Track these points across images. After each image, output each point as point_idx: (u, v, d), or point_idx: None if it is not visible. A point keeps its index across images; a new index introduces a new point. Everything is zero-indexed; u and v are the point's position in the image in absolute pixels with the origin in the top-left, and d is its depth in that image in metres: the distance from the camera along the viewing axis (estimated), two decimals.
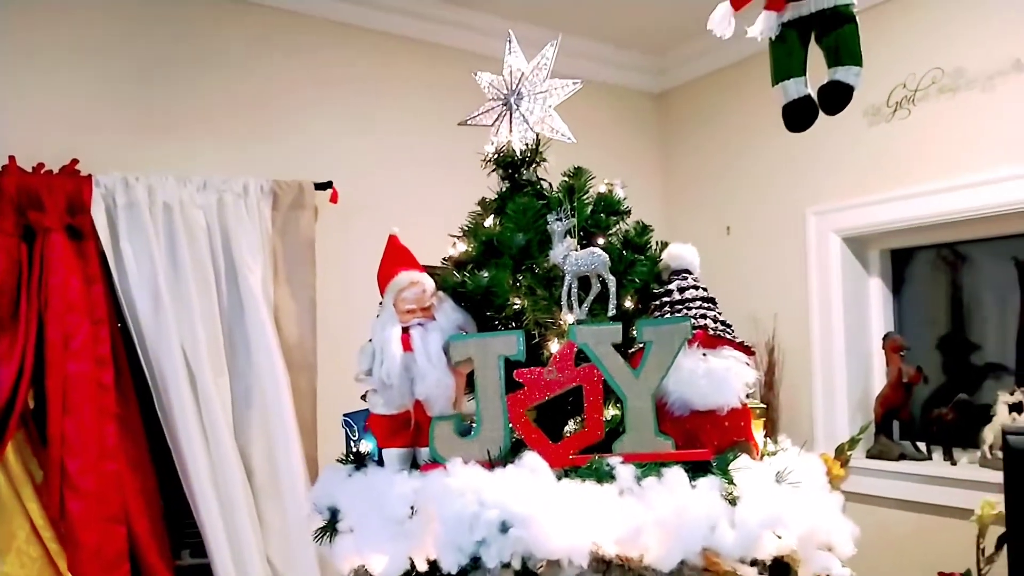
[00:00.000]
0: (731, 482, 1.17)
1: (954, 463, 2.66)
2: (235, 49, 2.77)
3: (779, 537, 1.18)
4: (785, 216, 3.12)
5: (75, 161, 2.40)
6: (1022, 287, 2.71)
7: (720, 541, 1.12)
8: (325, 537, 1.28)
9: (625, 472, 1.14)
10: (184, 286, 2.51)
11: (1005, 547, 2.14)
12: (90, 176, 2.41)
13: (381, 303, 1.36)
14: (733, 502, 1.15)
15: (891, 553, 2.63)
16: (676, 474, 1.15)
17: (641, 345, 1.30)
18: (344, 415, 1.53)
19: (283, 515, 2.64)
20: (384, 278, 1.36)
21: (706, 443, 1.27)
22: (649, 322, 1.30)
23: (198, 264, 2.54)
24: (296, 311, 2.74)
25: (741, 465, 1.21)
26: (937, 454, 2.77)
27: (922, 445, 2.83)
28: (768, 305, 3.10)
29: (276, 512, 2.64)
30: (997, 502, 2.22)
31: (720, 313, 1.41)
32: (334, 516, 1.28)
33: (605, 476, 1.14)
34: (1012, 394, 2.49)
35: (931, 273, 3.00)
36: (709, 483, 1.16)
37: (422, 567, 1.15)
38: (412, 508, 1.16)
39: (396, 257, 1.39)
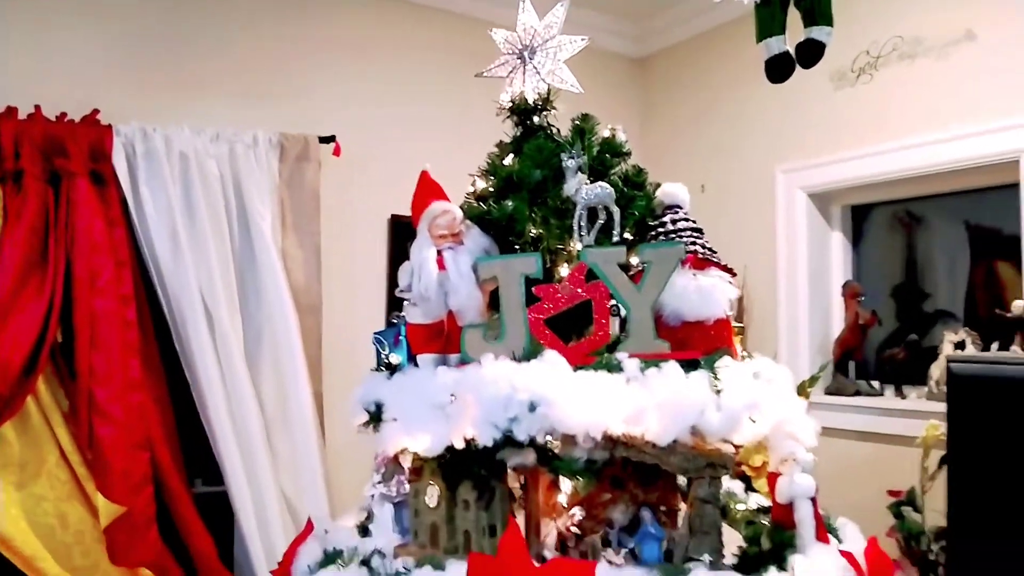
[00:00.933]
0: (717, 376, 1.40)
1: (904, 397, 2.94)
2: (245, 8, 2.91)
3: (754, 422, 1.42)
4: (756, 175, 3.36)
5: (96, 111, 2.53)
6: (972, 246, 2.98)
7: (707, 422, 1.35)
8: (371, 427, 1.50)
9: (631, 364, 1.37)
10: (199, 230, 2.66)
11: (945, 466, 2.41)
12: (110, 126, 2.54)
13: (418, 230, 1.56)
14: (719, 391, 1.38)
15: (847, 479, 2.90)
16: (673, 367, 1.37)
17: (641, 267, 1.52)
18: (375, 333, 1.73)
19: (293, 446, 2.83)
20: (418, 208, 1.56)
21: (695, 348, 1.50)
22: (649, 245, 1.53)
23: (212, 210, 2.70)
24: (303, 257, 2.91)
25: (725, 364, 1.44)
26: (889, 391, 3.05)
27: (876, 383, 3.11)
28: (739, 257, 3.33)
29: (287, 443, 2.84)
30: (941, 425, 2.49)
31: (707, 242, 1.64)
32: (379, 409, 1.49)
33: (615, 367, 1.37)
34: (956, 333, 2.76)
35: (888, 230, 3.25)
36: (699, 375, 1.38)
37: (460, 445, 1.36)
38: (452, 395, 1.37)
39: (429, 190, 1.58)
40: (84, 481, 2.51)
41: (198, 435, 2.74)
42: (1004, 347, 2.48)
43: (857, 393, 3.07)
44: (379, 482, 1.70)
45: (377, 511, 1.68)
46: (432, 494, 1.52)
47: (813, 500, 1.52)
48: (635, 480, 1.52)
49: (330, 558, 1.50)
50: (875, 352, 3.21)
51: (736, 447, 1.46)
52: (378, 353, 1.74)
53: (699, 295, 1.51)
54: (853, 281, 3.15)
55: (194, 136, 2.68)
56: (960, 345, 2.76)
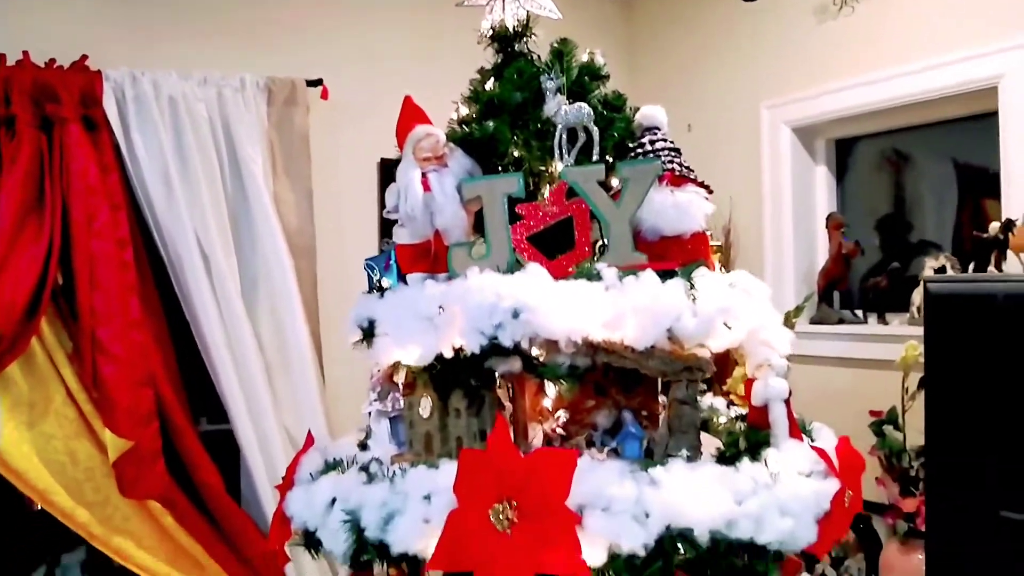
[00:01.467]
0: (692, 284, 1.47)
1: (886, 324, 3.02)
2: None
3: (729, 328, 1.49)
4: (741, 111, 3.40)
5: (84, 57, 2.56)
6: (959, 185, 3.03)
7: (683, 326, 1.41)
8: (364, 343, 1.57)
9: (609, 273, 1.43)
10: (192, 174, 2.71)
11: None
12: (99, 71, 2.57)
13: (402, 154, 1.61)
14: (694, 298, 1.44)
15: (830, 404, 2.97)
16: (650, 275, 1.44)
17: (619, 187, 1.58)
18: (366, 259, 1.79)
19: (293, 386, 2.92)
20: (403, 132, 1.61)
21: (673, 260, 1.56)
22: (626, 163, 1.58)
23: (204, 154, 2.74)
24: (295, 200, 2.96)
25: (701, 274, 1.51)
26: (872, 319, 3.13)
27: (860, 313, 3.19)
28: (724, 193, 3.39)
29: (286, 383, 2.92)
30: (920, 346, 2.57)
31: (685, 161, 1.69)
32: (371, 325, 1.56)
33: (594, 276, 1.43)
34: (937, 259, 2.83)
35: (875, 168, 3.30)
36: (675, 283, 1.45)
37: (448, 354, 1.43)
38: (440, 307, 1.44)
39: (412, 114, 1.63)
40: (91, 419, 2.59)
41: (201, 375, 2.83)
42: (981, 268, 2.55)
43: (840, 322, 3.15)
44: (375, 400, 1.78)
45: (374, 427, 1.76)
46: (425, 405, 1.60)
47: (787, 402, 1.61)
48: (617, 387, 1.59)
49: (330, 466, 1.59)
50: (859, 283, 3.28)
51: (712, 354, 1.54)
52: (369, 278, 1.80)
53: (676, 210, 1.57)
54: (836, 213, 3.20)
55: (182, 80, 2.71)
56: (941, 271, 2.82)
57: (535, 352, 1.45)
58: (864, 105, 2.96)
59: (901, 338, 2.83)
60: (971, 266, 2.57)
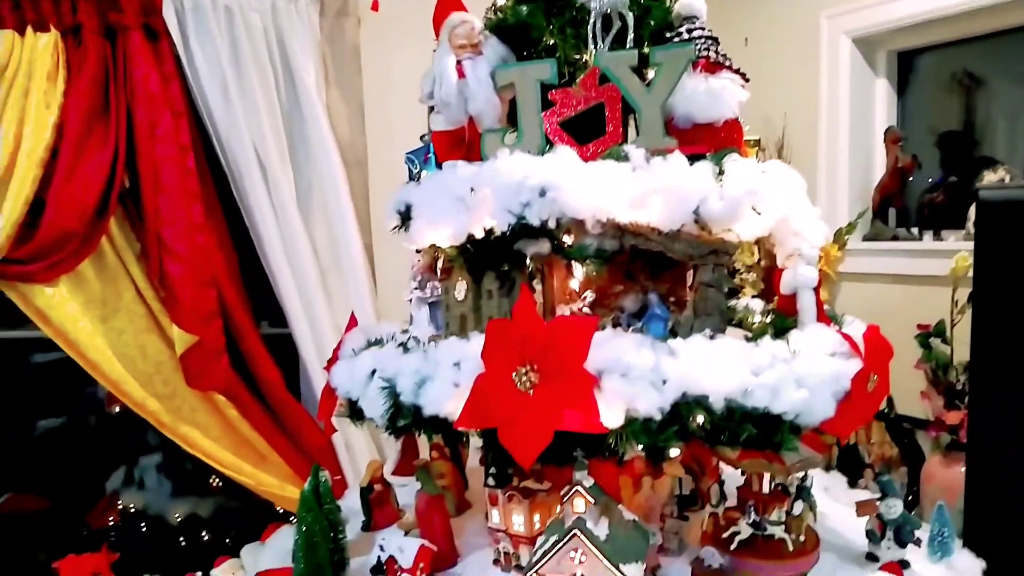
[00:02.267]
0: (722, 169, 1.48)
1: (941, 240, 2.95)
2: None
3: (758, 213, 1.50)
4: (800, 22, 3.29)
5: None
6: None
7: (709, 208, 1.44)
8: (401, 228, 1.65)
9: (637, 154, 1.46)
10: (248, 84, 2.79)
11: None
12: None
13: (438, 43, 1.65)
14: (722, 181, 1.46)
15: (881, 321, 2.94)
16: (678, 157, 1.46)
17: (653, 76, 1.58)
18: (406, 153, 1.85)
19: (347, 294, 3.03)
20: (439, 19, 1.64)
21: (704, 146, 1.57)
22: (659, 48, 1.58)
23: (259, 65, 2.81)
24: (346, 112, 3.03)
25: (732, 159, 1.52)
26: (928, 237, 3.06)
27: (915, 231, 3.12)
28: (779, 106, 3.32)
29: (341, 290, 3.03)
30: (971, 257, 2.51)
31: (721, 49, 1.68)
32: (408, 210, 1.63)
33: (622, 157, 1.46)
34: (996, 172, 2.74)
35: (940, 83, 3.16)
36: (703, 165, 1.46)
37: (479, 234, 1.49)
38: (472, 188, 1.49)
39: (449, 2, 1.66)
40: (159, 315, 2.77)
41: (262, 281, 2.96)
42: None
43: (895, 239, 3.08)
44: (416, 288, 1.86)
45: (415, 313, 1.85)
46: (460, 289, 1.66)
47: (816, 291, 1.62)
48: (645, 273, 1.63)
49: (372, 344, 1.68)
50: (916, 201, 3.19)
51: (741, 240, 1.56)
52: (410, 171, 1.87)
53: (708, 96, 1.57)
54: (895, 127, 3.11)
55: None
56: (1000, 183, 2.73)
57: (564, 237, 1.49)
58: (930, 11, 2.84)
59: (955, 253, 2.77)
60: None
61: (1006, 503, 2.15)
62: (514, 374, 1.32)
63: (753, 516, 1.59)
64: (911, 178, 3.06)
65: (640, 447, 1.33)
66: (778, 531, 1.60)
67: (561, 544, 1.40)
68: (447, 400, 1.40)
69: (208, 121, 2.77)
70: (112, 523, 3.46)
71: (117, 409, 3.52)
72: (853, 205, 3.24)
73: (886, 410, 2.88)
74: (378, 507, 2.03)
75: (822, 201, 3.27)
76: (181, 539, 3.52)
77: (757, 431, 1.34)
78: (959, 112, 3.12)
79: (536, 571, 1.42)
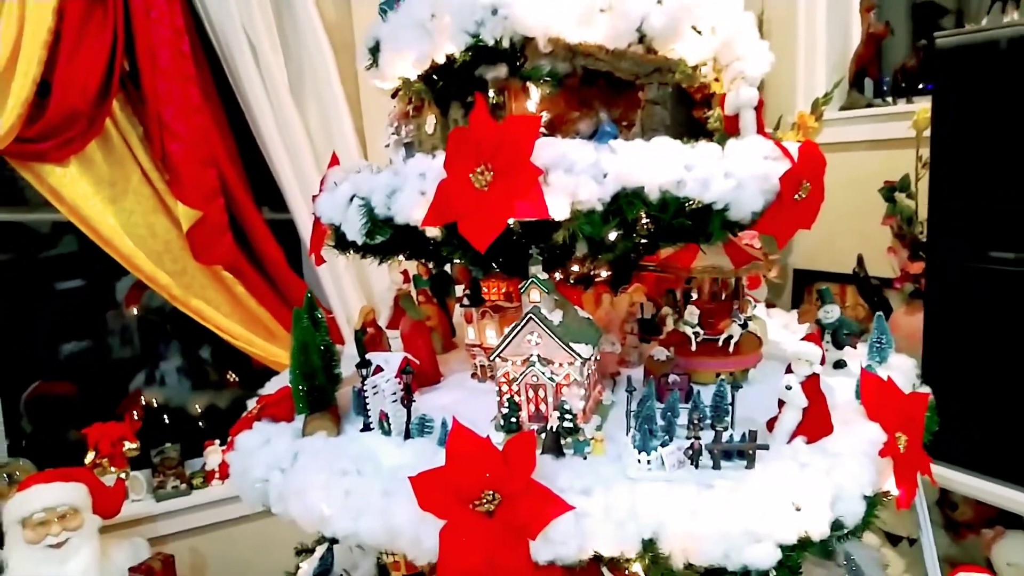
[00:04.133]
0: None
1: (912, 104, 3.03)
2: None
3: (699, 32, 1.62)
4: None
5: None
6: None
7: (651, 25, 1.56)
8: (373, 65, 1.79)
9: None
10: None
11: None
12: None
13: None
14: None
15: (857, 186, 3.08)
16: None
17: None
18: (380, 4, 1.97)
19: None
20: None
21: None
22: None
23: None
24: None
25: None
26: (902, 103, 3.14)
27: (891, 100, 3.20)
28: None
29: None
30: None
31: None
32: (377, 45, 1.77)
33: None
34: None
35: None
36: None
37: (440, 59, 1.63)
38: (432, 15, 1.62)
39: None
40: (165, 196, 2.93)
41: (262, 167, 3.11)
42: None
43: (869, 106, 3.17)
44: (392, 134, 2.01)
45: (393, 157, 2.00)
46: (430, 123, 1.81)
47: (757, 110, 1.75)
48: (600, 99, 1.76)
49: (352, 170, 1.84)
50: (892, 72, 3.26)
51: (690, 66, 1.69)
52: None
53: None
54: None
55: None
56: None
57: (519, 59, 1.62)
58: None
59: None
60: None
61: (959, 344, 2.28)
62: (471, 175, 1.47)
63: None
64: (883, 41, 3.12)
65: (584, 240, 1.48)
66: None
67: (519, 329, 1.58)
68: (415, 207, 1.55)
69: (200, 6, 2.87)
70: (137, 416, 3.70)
71: (136, 311, 3.70)
72: (830, 78, 3.31)
73: (857, 271, 3.02)
74: (372, 348, 2.23)
75: (800, 75, 3.35)
76: (200, 423, 3.79)
77: (691, 223, 1.49)
78: None
79: (499, 355, 1.60)
